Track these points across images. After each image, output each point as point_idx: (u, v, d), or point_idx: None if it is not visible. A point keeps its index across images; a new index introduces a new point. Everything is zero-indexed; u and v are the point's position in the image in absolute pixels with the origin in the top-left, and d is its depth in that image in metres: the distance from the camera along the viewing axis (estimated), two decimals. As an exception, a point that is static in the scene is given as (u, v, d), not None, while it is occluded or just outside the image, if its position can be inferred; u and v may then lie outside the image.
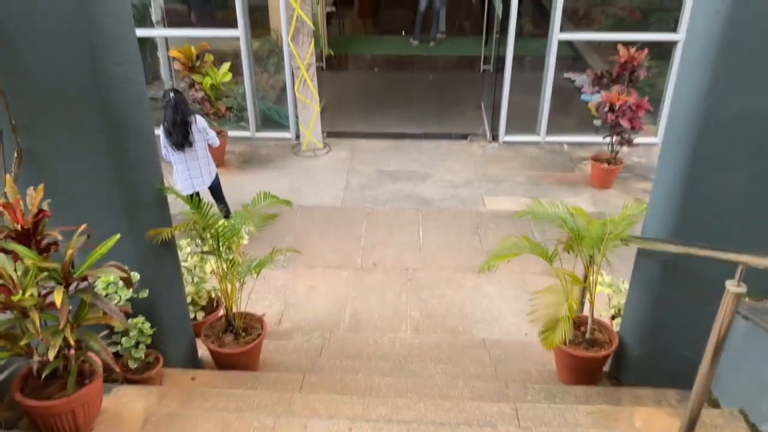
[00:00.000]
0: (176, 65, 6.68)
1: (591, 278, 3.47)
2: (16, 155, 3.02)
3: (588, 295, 3.53)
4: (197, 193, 5.02)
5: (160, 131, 4.91)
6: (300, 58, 6.93)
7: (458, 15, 11.57)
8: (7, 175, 2.67)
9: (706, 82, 2.70)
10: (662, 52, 7.21)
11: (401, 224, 5.80)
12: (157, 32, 7.76)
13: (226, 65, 6.69)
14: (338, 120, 8.11)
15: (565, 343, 3.31)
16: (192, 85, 6.62)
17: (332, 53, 9.84)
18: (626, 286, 3.59)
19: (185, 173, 5.07)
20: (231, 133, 7.30)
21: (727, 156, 2.79)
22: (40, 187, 2.56)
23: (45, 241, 2.57)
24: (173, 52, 6.63)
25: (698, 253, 2.80)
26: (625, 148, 6.33)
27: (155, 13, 7.70)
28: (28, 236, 2.53)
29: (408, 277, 5.06)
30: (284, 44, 7.03)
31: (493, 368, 3.79)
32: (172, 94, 4.94)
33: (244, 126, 7.65)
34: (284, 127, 7.67)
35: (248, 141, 7.58)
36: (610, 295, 3.83)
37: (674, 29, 7.04)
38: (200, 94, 6.59)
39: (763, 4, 2.51)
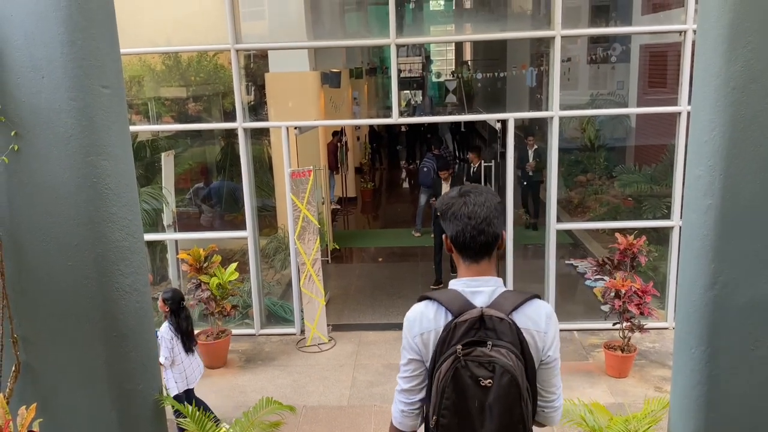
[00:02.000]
0: (184, 267, 6.82)
1: (620, 484, 3.19)
2: (13, 369, 2.95)
3: (620, 505, 3.22)
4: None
5: (162, 334, 5.01)
6: (306, 255, 7.09)
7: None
8: (0, 395, 2.58)
9: (709, 273, 2.70)
10: (660, 237, 7.39)
11: (412, 423, 5.49)
12: (168, 236, 8.04)
13: (233, 266, 6.82)
14: (344, 312, 8.09)
15: None
16: (198, 285, 6.69)
17: (337, 247, 10.11)
18: (660, 492, 3.29)
19: (185, 371, 5.13)
20: (235, 331, 7.25)
21: (744, 347, 2.70)
22: (33, 406, 2.46)
23: (30, 466, 2.41)
24: (182, 255, 6.80)
25: (732, 455, 2.60)
26: (637, 334, 6.21)
27: (167, 218, 8.04)
28: (14, 461, 2.38)
29: (421, 485, 4.67)
30: (291, 242, 7.24)
31: None
32: (184, 303, 5.22)
33: (248, 323, 7.61)
34: (289, 322, 7.62)
35: (252, 339, 7.48)
36: (644, 502, 3.49)
37: (667, 215, 7.28)
38: (206, 294, 6.63)
39: (752, 198, 2.59)
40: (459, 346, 1.90)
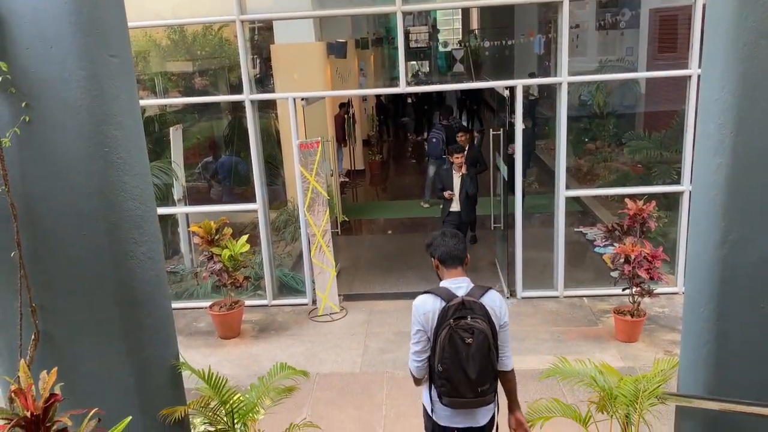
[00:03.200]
0: (196, 240, 6.88)
1: (630, 442, 3.24)
2: (33, 337, 3.02)
3: (630, 462, 3.27)
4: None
5: None
6: (316, 226, 7.14)
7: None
8: (21, 360, 2.64)
9: (719, 232, 2.70)
10: (670, 203, 7.36)
11: (423, 389, 5.57)
12: (179, 210, 8.10)
13: (244, 237, 6.87)
14: (354, 282, 8.16)
15: None
16: (211, 257, 6.76)
17: (347, 219, 10.16)
18: (670, 449, 3.34)
19: None
20: (248, 302, 7.33)
21: (754, 305, 2.71)
22: (54, 370, 2.52)
23: (55, 428, 2.48)
24: (193, 228, 6.86)
25: (739, 409, 2.63)
26: (646, 299, 6.23)
27: (177, 192, 8.10)
28: (38, 423, 2.44)
29: (434, 448, 4.75)
30: (300, 214, 7.28)
31: None
32: None
33: (260, 294, 7.69)
34: (301, 293, 7.71)
35: (265, 309, 7.57)
36: (654, 459, 3.55)
37: (678, 180, 7.25)
38: (218, 266, 6.70)
39: (763, 155, 2.58)
40: (451, 320, 2.99)
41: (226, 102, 8.76)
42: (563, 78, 6.90)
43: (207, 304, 7.14)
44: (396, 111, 17.12)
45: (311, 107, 8.19)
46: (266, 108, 8.68)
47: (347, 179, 12.48)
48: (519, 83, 7.05)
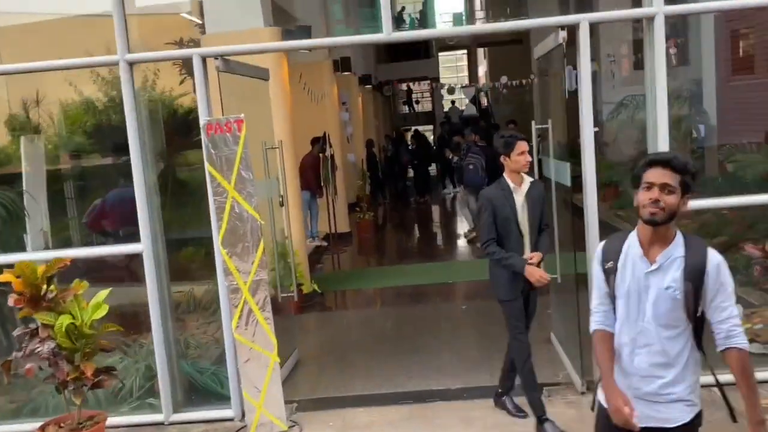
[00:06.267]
0: (11, 300, 3.72)
1: None
2: None
3: None
4: None
5: None
6: (240, 275, 4.01)
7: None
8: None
9: None
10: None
11: None
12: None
13: (103, 293, 3.73)
14: (321, 380, 4.97)
15: None
16: (35, 332, 3.60)
17: (318, 290, 7.09)
18: None
19: None
20: (119, 419, 4.07)
21: None
22: None
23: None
24: (5, 276, 3.72)
25: None
26: None
27: (33, 237, 5.05)
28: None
29: None
30: (215, 249, 4.17)
31: None
32: None
33: (151, 404, 4.43)
34: (224, 399, 4.46)
35: (159, 430, 4.30)
36: None
37: None
38: (48, 347, 3.55)
39: None
40: None
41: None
42: (658, 8, 4.08)
43: (37, 424, 3.86)
44: (393, 166, 14.26)
45: (246, 102, 5.18)
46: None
47: (325, 243, 9.43)
48: (584, 18, 4.17)
